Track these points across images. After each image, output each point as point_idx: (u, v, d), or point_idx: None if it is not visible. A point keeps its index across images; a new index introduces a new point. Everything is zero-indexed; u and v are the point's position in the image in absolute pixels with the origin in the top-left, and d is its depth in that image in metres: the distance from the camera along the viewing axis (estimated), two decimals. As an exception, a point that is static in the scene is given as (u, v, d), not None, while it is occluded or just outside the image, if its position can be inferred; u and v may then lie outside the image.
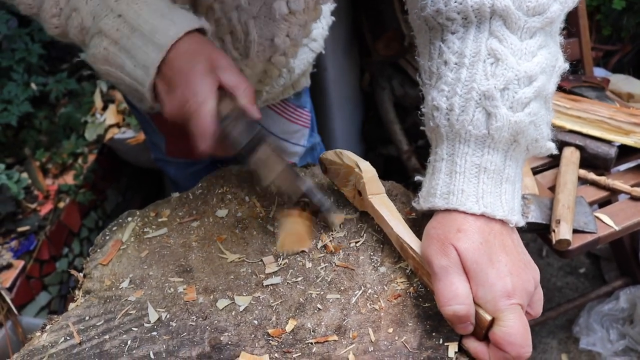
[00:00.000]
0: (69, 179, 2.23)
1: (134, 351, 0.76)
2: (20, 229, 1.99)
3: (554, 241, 1.27)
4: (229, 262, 0.87)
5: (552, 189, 1.47)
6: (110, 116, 2.10)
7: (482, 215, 0.70)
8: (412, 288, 0.75)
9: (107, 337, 0.79)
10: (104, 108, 2.20)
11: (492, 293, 0.65)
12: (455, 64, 0.72)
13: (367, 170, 0.84)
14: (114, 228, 0.95)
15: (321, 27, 1.26)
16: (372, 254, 0.81)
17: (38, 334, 0.81)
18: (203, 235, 0.91)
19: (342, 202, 0.90)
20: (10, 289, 1.75)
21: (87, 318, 0.82)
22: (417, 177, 0.81)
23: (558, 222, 1.27)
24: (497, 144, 0.71)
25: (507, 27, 0.70)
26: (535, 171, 1.60)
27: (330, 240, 0.85)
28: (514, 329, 0.63)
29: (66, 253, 2.09)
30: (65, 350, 0.77)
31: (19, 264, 1.85)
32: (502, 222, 0.71)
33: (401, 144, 2.12)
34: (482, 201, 0.70)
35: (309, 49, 1.27)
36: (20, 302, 1.81)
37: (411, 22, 0.81)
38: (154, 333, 0.78)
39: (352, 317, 0.74)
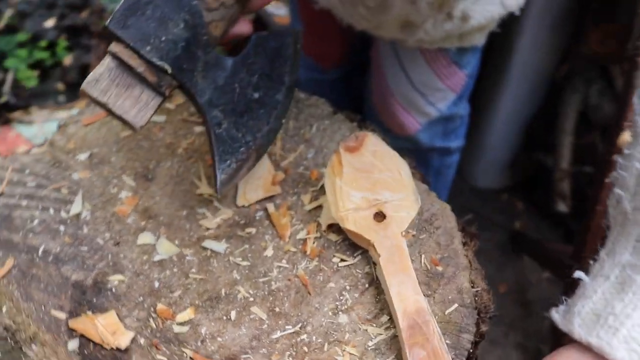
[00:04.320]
0: (215, 31, 2.13)
1: (31, 235, 0.61)
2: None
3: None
4: (197, 193, 0.66)
5: None
6: (275, -14, 1.92)
7: None
8: (357, 371, 0.48)
9: (24, 203, 0.64)
10: (278, -25, 2.02)
11: None
12: None
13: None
14: (123, 89, 0.78)
15: None
16: (347, 287, 0.55)
17: (-23, 162, 0.69)
18: (197, 146, 0.70)
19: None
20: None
21: (27, 172, 0.67)
22: (578, 274, 0.49)
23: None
24: None
25: None
26: None
27: (316, 237, 0.59)
28: None
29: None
30: None
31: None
32: None
33: (562, 159, 1.68)
34: None
35: (500, 3, 0.94)
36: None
37: None
38: (61, 227, 0.62)
39: (257, 356, 0.50)
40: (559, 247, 1.67)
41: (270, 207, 0.63)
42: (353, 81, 1.37)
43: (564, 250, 1.60)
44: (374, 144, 0.60)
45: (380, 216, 0.55)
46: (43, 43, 1.74)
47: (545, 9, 1.56)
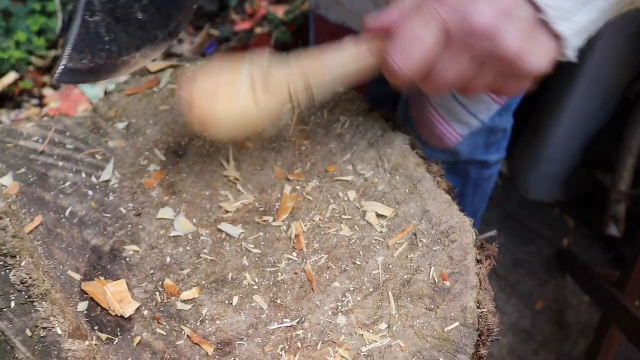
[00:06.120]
0: (281, 11, 2.15)
1: (61, 196, 0.64)
2: (209, 31, 1.99)
3: None
4: (223, 175, 0.66)
5: None
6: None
7: None
8: (346, 374, 0.48)
9: (61, 164, 0.67)
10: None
11: None
12: None
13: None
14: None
15: None
16: (351, 289, 0.54)
17: (26, 121, 0.73)
18: (231, 128, 0.71)
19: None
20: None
21: (68, 134, 0.70)
22: None
23: None
24: None
25: None
26: None
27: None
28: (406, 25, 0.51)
29: (236, 76, 2.08)
30: (26, 150, 0.68)
31: (190, 60, 1.87)
32: None
33: (621, 181, 1.60)
34: None
35: None
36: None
37: None
38: (90, 192, 0.64)
39: (251, 344, 0.51)
40: (606, 271, 1.59)
41: (288, 188, 0.63)
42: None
43: (611, 276, 1.53)
44: (192, 87, 0.56)
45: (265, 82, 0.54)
46: (115, 7, 1.80)
47: (622, 24, 1.47)
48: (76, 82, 0.55)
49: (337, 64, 0.55)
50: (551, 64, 0.51)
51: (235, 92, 0.54)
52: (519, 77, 0.52)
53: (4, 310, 0.50)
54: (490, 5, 0.48)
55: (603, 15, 0.52)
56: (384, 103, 1.29)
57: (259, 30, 2.09)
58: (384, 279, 0.54)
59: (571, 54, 0.51)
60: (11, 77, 1.65)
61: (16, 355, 0.48)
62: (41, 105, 1.71)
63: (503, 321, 1.67)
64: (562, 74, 1.71)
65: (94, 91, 1.75)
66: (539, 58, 0.50)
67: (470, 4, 0.49)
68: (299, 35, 2.16)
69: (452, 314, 0.50)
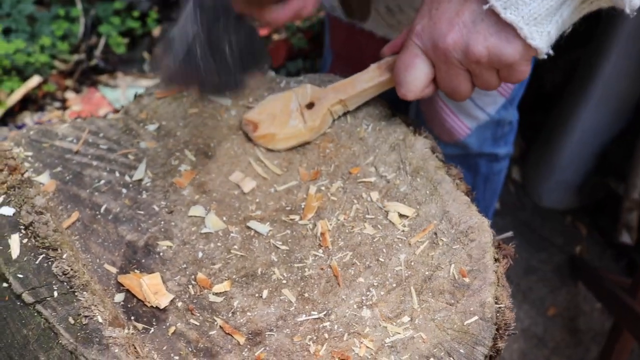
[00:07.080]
0: (297, 18, 2.19)
1: (96, 194, 0.67)
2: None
3: None
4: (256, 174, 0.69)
5: None
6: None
7: None
8: (370, 364, 0.50)
9: (95, 163, 0.70)
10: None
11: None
12: None
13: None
14: (197, 69, 0.83)
15: None
16: (375, 284, 0.57)
17: (60, 122, 0.76)
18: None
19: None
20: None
21: (101, 135, 0.74)
22: None
23: None
24: None
25: None
26: None
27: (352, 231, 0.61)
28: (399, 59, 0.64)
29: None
30: (61, 150, 0.71)
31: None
32: None
33: (634, 189, 1.61)
34: None
35: None
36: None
37: None
38: (124, 190, 0.67)
39: (280, 335, 0.53)
40: (618, 278, 1.60)
41: (313, 189, 0.66)
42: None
43: (623, 283, 1.54)
44: (255, 112, 0.73)
45: (309, 106, 0.71)
46: (135, 13, 1.84)
47: (635, 35, 1.49)
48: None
49: (363, 81, 0.70)
50: (527, 51, 0.55)
51: (288, 115, 0.71)
52: (508, 68, 0.57)
53: (48, 299, 0.53)
54: (447, 23, 0.57)
55: (563, 5, 0.54)
56: (396, 99, 1.35)
57: (276, 37, 2.13)
58: (406, 275, 0.57)
59: (538, 44, 0.54)
60: (35, 80, 1.70)
61: (60, 341, 0.51)
62: (63, 107, 1.76)
63: (515, 326, 1.68)
64: (575, 82, 1.72)
65: (114, 94, 1.79)
66: (510, 49, 0.55)
67: (435, 29, 0.58)
68: (315, 41, 2.20)
69: (471, 309, 0.53)
